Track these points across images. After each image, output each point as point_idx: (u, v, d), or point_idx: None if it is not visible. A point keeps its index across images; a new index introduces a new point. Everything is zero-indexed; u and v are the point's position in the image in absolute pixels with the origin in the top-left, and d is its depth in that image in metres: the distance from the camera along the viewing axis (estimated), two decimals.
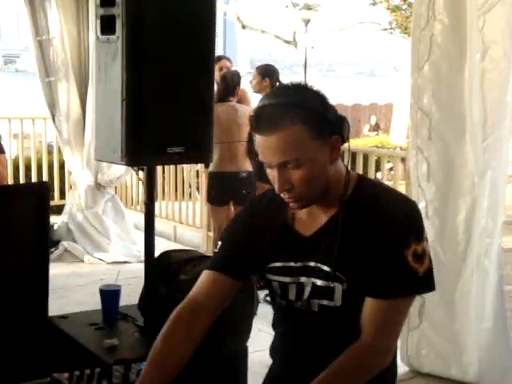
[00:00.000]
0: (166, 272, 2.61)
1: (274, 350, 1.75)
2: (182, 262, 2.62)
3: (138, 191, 7.27)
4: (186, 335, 1.60)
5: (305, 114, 1.44)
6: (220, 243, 1.70)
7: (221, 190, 5.06)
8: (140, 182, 7.10)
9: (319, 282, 1.55)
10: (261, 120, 1.46)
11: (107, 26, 2.48)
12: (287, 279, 1.61)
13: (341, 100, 27.88)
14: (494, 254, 3.50)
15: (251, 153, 4.87)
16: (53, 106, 5.98)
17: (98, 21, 2.51)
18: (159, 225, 7.02)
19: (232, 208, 5.20)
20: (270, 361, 1.77)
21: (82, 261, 5.98)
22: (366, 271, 1.51)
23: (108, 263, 5.95)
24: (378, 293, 1.50)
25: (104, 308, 2.69)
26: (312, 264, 1.57)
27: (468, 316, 3.51)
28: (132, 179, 7.12)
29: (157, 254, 6.28)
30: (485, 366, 3.60)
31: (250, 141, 4.08)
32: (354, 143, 12.21)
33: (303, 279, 1.58)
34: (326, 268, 1.54)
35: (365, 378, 1.51)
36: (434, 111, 3.58)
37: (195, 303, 1.66)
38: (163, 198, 7.03)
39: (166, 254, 2.69)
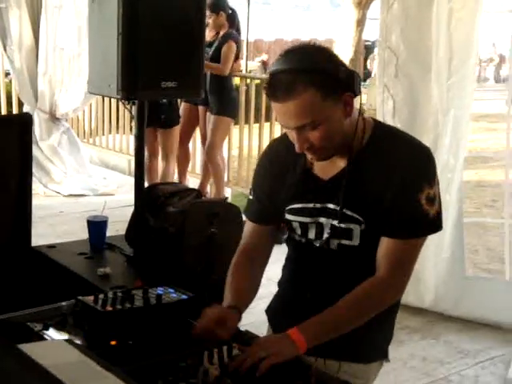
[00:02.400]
0: (154, 204, 2.67)
1: (286, 284, 1.83)
2: (169, 195, 2.69)
3: (91, 124, 7.20)
4: (249, 275, 1.75)
5: (316, 77, 1.48)
6: (252, 193, 1.80)
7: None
8: (92, 115, 7.03)
9: (338, 223, 1.64)
10: (275, 88, 1.52)
11: None
12: (307, 219, 1.69)
13: (280, 35, 27.75)
14: (454, 188, 3.69)
15: None
16: (4, 34, 5.79)
17: None
18: (113, 158, 7.02)
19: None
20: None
21: (38, 193, 5.93)
22: (382, 213, 1.60)
23: (64, 196, 5.93)
24: (394, 233, 1.60)
25: (92, 238, 2.74)
26: (331, 206, 1.65)
27: (428, 246, 3.71)
28: (84, 112, 7.02)
29: (113, 187, 6.34)
30: (440, 294, 3.85)
31: None
32: None
33: (322, 220, 1.67)
34: (344, 210, 1.63)
35: (378, 309, 1.63)
36: (401, 50, 3.68)
37: (248, 252, 1.78)
38: (117, 132, 6.98)
39: (153, 187, 2.75)
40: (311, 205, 1.68)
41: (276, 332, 1.74)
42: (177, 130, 5.41)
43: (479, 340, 3.62)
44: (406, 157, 1.60)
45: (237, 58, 5.45)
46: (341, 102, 1.55)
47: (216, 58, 5.24)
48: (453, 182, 3.68)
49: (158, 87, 2.40)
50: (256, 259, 1.77)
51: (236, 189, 6.10)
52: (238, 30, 5.48)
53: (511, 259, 3.99)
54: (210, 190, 5.88)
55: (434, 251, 3.72)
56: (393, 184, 1.58)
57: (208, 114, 5.43)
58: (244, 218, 1.88)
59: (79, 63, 5.73)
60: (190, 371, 1.48)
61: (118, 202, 5.53)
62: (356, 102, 1.62)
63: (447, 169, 3.67)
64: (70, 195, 5.93)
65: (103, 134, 7.10)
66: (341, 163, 1.65)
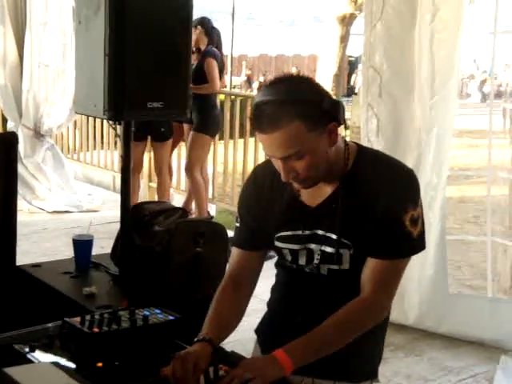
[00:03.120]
0: (140, 223, 2.68)
1: (276, 307, 1.84)
2: (155, 214, 2.71)
3: (75, 140, 7.19)
4: (233, 302, 1.75)
5: (301, 108, 1.50)
6: (239, 220, 1.81)
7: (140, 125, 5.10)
8: (76, 131, 7.03)
9: (328, 249, 1.66)
10: (260, 119, 1.54)
11: None
12: (297, 246, 1.72)
13: (265, 50, 27.92)
14: (437, 206, 3.73)
15: None
16: None
17: None
18: (97, 174, 7.01)
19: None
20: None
21: (22, 210, 5.91)
22: (369, 236, 1.63)
23: (49, 212, 5.91)
24: (378, 254, 1.63)
25: (77, 257, 2.74)
26: (320, 232, 1.68)
27: (412, 263, 3.72)
28: (69, 128, 7.02)
29: (97, 203, 6.32)
30: (424, 311, 3.88)
31: None
32: None
33: (312, 246, 1.69)
34: (333, 236, 1.65)
35: (362, 329, 1.65)
36: (384, 69, 3.72)
37: (234, 280, 1.78)
38: (101, 147, 6.98)
39: (139, 206, 2.76)
40: (300, 232, 1.70)
41: (265, 353, 1.75)
42: (170, 143, 5.47)
43: (462, 357, 3.65)
44: (390, 180, 1.63)
45: (221, 75, 5.47)
46: (326, 131, 1.57)
47: (197, 77, 5.23)
48: (436, 199, 3.72)
49: (144, 107, 2.42)
50: (243, 286, 1.78)
51: (221, 205, 6.11)
52: (219, 47, 5.47)
53: (494, 276, 4.03)
54: (194, 207, 5.89)
55: (418, 268, 3.75)
56: (378, 207, 1.61)
57: None
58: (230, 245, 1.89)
59: (64, 80, 5.75)
60: None
61: (103, 219, 5.53)
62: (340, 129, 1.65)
63: (430, 187, 3.71)
64: (55, 212, 5.90)
65: (87, 150, 7.10)
66: (327, 189, 1.68)
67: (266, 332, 1.87)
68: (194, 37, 5.27)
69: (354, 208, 1.64)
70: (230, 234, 2.85)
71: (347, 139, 1.71)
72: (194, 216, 5.49)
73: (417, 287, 3.82)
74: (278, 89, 1.54)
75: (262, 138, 1.57)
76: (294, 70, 23.98)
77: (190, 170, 5.48)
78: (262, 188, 1.76)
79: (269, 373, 1.51)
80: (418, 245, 1.66)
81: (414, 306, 3.86)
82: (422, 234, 1.65)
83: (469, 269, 5.29)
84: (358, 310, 1.64)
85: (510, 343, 3.71)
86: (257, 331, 1.90)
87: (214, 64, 5.24)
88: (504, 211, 4.51)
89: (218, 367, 1.57)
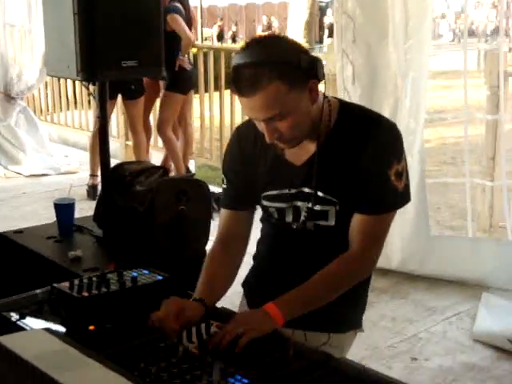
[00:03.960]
0: (121, 184, 2.66)
1: (263, 261, 1.86)
2: (135, 174, 2.69)
3: (47, 101, 7.08)
4: (224, 264, 1.75)
5: (280, 69, 1.49)
6: (225, 181, 1.80)
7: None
8: (48, 92, 6.91)
9: (314, 206, 1.67)
10: (239, 83, 1.53)
11: None
12: (284, 205, 1.73)
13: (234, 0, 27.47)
14: (416, 150, 3.75)
15: None
16: None
17: None
18: (73, 135, 6.93)
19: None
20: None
21: None
22: (355, 192, 1.64)
23: (26, 176, 5.86)
24: (365, 209, 1.64)
25: (60, 221, 2.72)
26: (306, 190, 1.68)
27: None
28: (40, 90, 6.90)
29: (75, 165, 6.28)
30: (407, 254, 3.93)
31: None
32: None
33: (299, 203, 1.70)
34: (319, 193, 1.66)
35: (352, 283, 1.68)
36: (357, 14, 3.68)
37: (225, 242, 1.79)
38: (75, 107, 6.88)
39: (119, 167, 2.73)
40: (286, 190, 1.71)
41: (252, 306, 1.77)
42: (142, 100, 5.39)
43: (446, 297, 3.72)
44: (374, 135, 1.63)
45: (189, 28, 5.37)
46: (306, 89, 1.57)
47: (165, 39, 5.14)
48: (414, 144, 3.73)
49: (118, 67, 2.38)
50: (233, 247, 1.78)
51: (200, 160, 6.09)
52: (182, 3, 5.34)
53: (473, 216, 4.09)
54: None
55: (399, 213, 3.76)
56: (362, 163, 1.62)
57: None
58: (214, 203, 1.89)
59: (31, 40, 5.62)
60: (170, 351, 1.50)
61: (82, 180, 5.49)
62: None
63: (408, 131, 3.71)
64: (32, 175, 5.86)
65: (61, 111, 7.00)
66: (311, 147, 1.67)
67: (253, 285, 1.89)
68: None
69: (339, 165, 1.65)
70: (212, 189, 2.86)
71: (327, 94, 1.71)
72: (172, 174, 5.47)
73: (399, 231, 3.86)
74: (255, 51, 1.53)
75: (242, 102, 1.56)
76: (264, 19, 23.70)
77: (161, 128, 5.44)
78: (246, 148, 1.75)
79: (260, 326, 1.53)
80: (404, 198, 1.68)
81: (396, 250, 3.91)
82: (406, 186, 1.67)
83: (449, 210, 5.36)
84: (347, 264, 1.66)
85: (490, 280, 3.79)
86: (243, 284, 1.92)
87: (177, 17, 5.12)
88: (481, 151, 4.56)
89: (210, 324, 1.58)
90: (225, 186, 1.81)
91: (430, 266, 3.91)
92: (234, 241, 1.78)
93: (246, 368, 1.41)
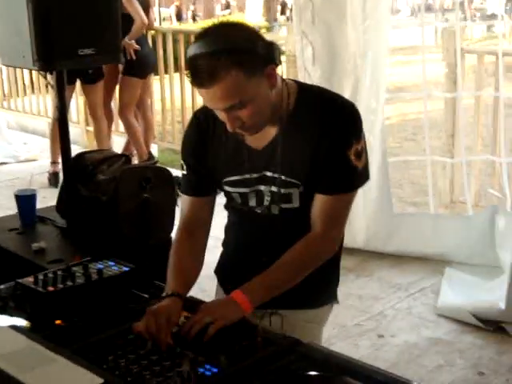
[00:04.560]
0: (83, 173, 2.64)
1: (233, 247, 1.87)
2: (97, 163, 2.66)
3: (3, 87, 6.94)
4: (192, 251, 1.76)
5: (236, 57, 1.48)
6: (185, 167, 1.79)
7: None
8: (4, 77, 6.77)
9: (277, 189, 1.68)
10: (197, 74, 1.51)
11: None
12: (246, 190, 1.73)
13: None
14: (377, 129, 3.78)
15: None
16: None
17: None
18: (31, 122, 6.81)
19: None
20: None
21: None
22: (316, 173, 1.64)
23: None
24: (326, 190, 1.66)
25: (22, 213, 2.69)
26: (268, 174, 1.69)
27: None
28: None
29: (35, 152, 6.17)
30: (371, 232, 3.98)
31: None
32: None
33: (262, 187, 1.71)
34: (281, 176, 1.67)
35: (316, 264, 1.70)
36: None
37: (189, 229, 1.78)
38: (33, 92, 6.75)
39: (80, 156, 2.71)
40: (248, 175, 1.71)
41: (228, 294, 1.77)
42: (102, 85, 5.31)
43: (410, 273, 3.79)
44: (332, 116, 1.63)
45: (147, 10, 5.30)
46: (264, 75, 1.56)
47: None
48: (375, 123, 3.76)
49: (75, 55, 2.34)
50: (198, 233, 1.78)
51: (162, 144, 6.05)
52: None
53: (434, 192, 4.15)
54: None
55: (362, 192, 3.81)
56: (322, 144, 1.62)
57: None
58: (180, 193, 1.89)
59: None
60: (139, 343, 1.50)
61: (42, 168, 5.42)
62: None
63: (369, 111, 3.74)
64: None
65: (18, 97, 6.86)
66: (271, 131, 1.68)
67: (225, 273, 1.90)
68: None
69: (299, 147, 1.65)
70: (176, 173, 2.84)
71: (288, 75, 1.70)
72: (135, 159, 5.43)
73: (362, 210, 3.91)
74: (210, 40, 1.51)
75: (201, 93, 1.55)
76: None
77: (122, 113, 5.38)
78: (205, 133, 1.74)
79: (228, 315, 1.54)
80: (364, 177, 1.69)
81: (361, 228, 3.95)
82: (366, 166, 1.68)
83: (410, 186, 5.43)
84: (310, 246, 1.68)
85: (452, 255, 3.87)
86: (216, 272, 1.93)
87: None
88: (441, 127, 4.62)
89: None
90: (185, 173, 1.80)
91: (394, 244, 3.96)
92: (197, 227, 1.79)
93: (216, 357, 1.43)
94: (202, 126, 1.75)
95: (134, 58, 5.11)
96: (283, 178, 1.67)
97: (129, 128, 5.40)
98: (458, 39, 3.97)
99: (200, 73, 1.51)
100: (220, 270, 1.92)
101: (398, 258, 3.93)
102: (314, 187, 1.67)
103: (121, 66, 5.34)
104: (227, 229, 1.90)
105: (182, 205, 1.83)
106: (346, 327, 3.23)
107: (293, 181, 1.67)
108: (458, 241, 3.86)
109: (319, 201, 1.67)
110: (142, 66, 5.27)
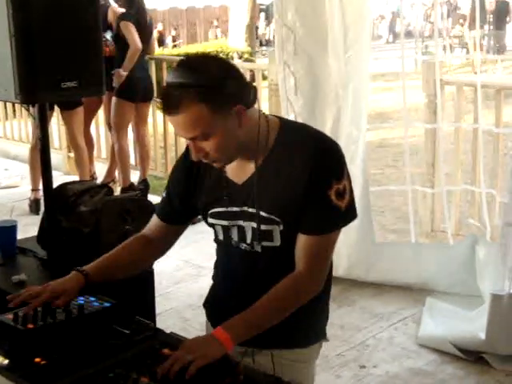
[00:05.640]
0: (65, 204, 2.63)
1: (218, 282, 1.87)
2: (79, 193, 2.66)
3: None
4: (132, 252, 1.85)
5: (203, 92, 1.52)
6: (166, 191, 1.84)
7: None
8: None
9: (257, 225, 1.68)
10: (164, 101, 1.58)
11: None
12: (226, 223, 1.74)
13: (174, 3, 27.32)
14: (359, 159, 3.81)
15: None
16: None
17: None
18: (13, 148, 6.78)
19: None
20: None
21: None
22: (296, 212, 1.65)
23: None
24: (308, 230, 1.64)
25: (2, 244, 2.67)
26: (249, 209, 1.69)
27: None
28: None
29: (16, 179, 6.12)
30: (353, 261, 3.99)
31: None
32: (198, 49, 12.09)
33: (242, 223, 1.72)
34: (261, 213, 1.67)
35: (299, 303, 1.69)
36: (298, 26, 3.71)
37: (144, 238, 1.86)
38: (14, 117, 6.73)
39: (62, 187, 2.69)
40: (229, 208, 1.72)
41: (214, 327, 1.77)
42: (81, 110, 5.29)
43: (391, 303, 3.80)
44: (313, 155, 1.63)
45: (148, 40, 5.38)
46: (231, 113, 1.58)
47: (119, 45, 5.17)
48: (357, 152, 3.79)
49: (58, 88, 2.34)
50: (150, 246, 1.85)
51: None
52: (139, 13, 5.32)
53: (415, 220, 4.18)
54: (118, 176, 5.80)
55: None
56: (302, 183, 1.63)
57: None
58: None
59: None
60: (120, 381, 1.49)
61: (23, 195, 5.39)
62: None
63: (351, 140, 3.78)
64: None
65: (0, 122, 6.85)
66: (251, 167, 1.69)
67: (212, 307, 1.90)
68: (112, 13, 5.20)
69: (278, 184, 1.66)
70: (157, 200, 2.83)
71: (267, 105, 1.72)
72: (117, 185, 5.42)
73: (344, 239, 3.91)
74: (184, 72, 1.57)
75: (168, 119, 1.63)
76: (206, 22, 23.58)
77: (114, 136, 5.38)
78: (191, 165, 1.76)
79: (209, 352, 1.53)
80: (348, 216, 1.69)
81: (342, 257, 3.96)
82: (350, 204, 1.67)
83: (392, 213, 5.46)
84: (294, 285, 1.67)
85: (433, 284, 3.89)
86: (204, 305, 1.92)
87: (128, 24, 5.11)
88: (422, 155, 4.66)
89: (160, 351, 1.58)
90: (164, 195, 1.86)
91: (375, 272, 3.98)
92: (153, 242, 1.85)
93: None
94: (190, 156, 1.73)
95: (116, 86, 5.13)
96: (262, 214, 1.67)
97: (120, 153, 5.38)
98: (438, 72, 4.03)
99: (167, 101, 1.57)
100: (208, 304, 1.92)
101: (380, 287, 3.94)
102: (295, 226, 1.66)
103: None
104: (216, 263, 1.90)
105: (151, 220, 1.89)
106: (328, 357, 3.22)
107: (272, 217, 1.67)
108: (438, 270, 3.89)
109: (302, 240, 1.67)
110: (131, 89, 5.26)
